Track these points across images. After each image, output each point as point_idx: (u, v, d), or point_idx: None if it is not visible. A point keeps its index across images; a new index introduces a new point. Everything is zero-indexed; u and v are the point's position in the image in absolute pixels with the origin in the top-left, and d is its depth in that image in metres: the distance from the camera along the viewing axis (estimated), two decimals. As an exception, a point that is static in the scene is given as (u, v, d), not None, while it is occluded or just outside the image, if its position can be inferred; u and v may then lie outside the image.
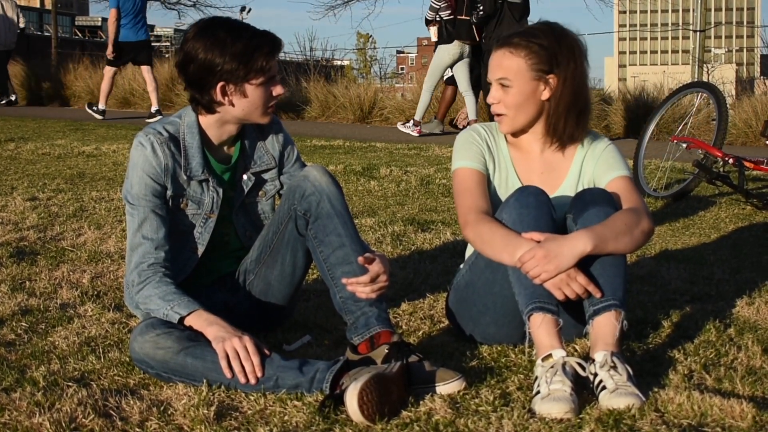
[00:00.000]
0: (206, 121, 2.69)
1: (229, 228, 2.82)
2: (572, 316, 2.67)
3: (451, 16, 9.60)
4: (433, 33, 9.97)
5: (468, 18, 9.36)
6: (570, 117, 2.66)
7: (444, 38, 9.69)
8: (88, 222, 4.65)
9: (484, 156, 2.73)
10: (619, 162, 2.73)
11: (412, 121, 10.32)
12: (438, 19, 9.73)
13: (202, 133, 2.70)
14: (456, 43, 9.60)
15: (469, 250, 2.84)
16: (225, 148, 2.76)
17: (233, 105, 2.63)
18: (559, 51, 2.62)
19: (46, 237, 4.29)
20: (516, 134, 2.75)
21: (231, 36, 2.57)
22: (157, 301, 2.51)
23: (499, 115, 2.69)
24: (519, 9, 8.89)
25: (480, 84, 9.70)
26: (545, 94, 2.65)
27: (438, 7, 9.70)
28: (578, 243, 2.42)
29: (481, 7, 8.96)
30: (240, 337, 2.36)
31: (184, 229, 2.72)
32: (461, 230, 2.65)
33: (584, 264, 2.44)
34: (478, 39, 9.34)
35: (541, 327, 2.37)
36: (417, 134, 10.15)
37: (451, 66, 9.80)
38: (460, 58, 9.71)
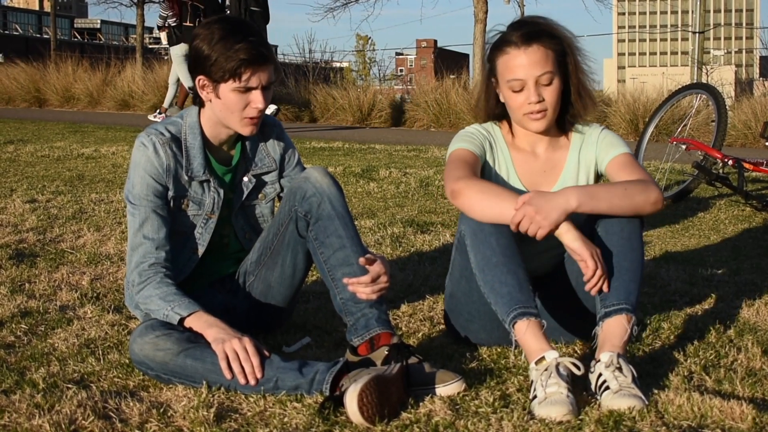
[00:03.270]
0: (204, 118, 2.70)
1: (229, 230, 2.82)
2: (558, 320, 2.69)
3: (177, 23, 11.16)
4: (163, 37, 11.57)
5: (192, 24, 10.99)
6: (582, 96, 2.66)
7: (173, 41, 11.30)
8: (87, 224, 4.65)
9: (484, 147, 2.71)
10: (618, 141, 2.72)
11: (159, 110, 12.08)
12: (167, 25, 11.25)
13: (203, 133, 2.70)
14: (182, 45, 11.09)
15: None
16: (225, 149, 2.76)
17: (211, 102, 2.63)
18: (564, 39, 2.62)
19: (46, 239, 4.28)
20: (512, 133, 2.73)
21: (221, 33, 2.55)
22: (157, 301, 2.51)
23: (540, 113, 2.60)
24: (259, 15, 10.42)
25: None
26: (561, 84, 2.63)
27: (166, 15, 11.24)
28: (566, 197, 2.40)
29: (229, 14, 10.43)
30: (240, 339, 2.36)
31: (185, 230, 2.72)
32: (451, 193, 2.53)
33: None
34: None
35: (527, 333, 2.35)
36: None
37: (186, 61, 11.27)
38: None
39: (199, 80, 2.61)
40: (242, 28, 2.60)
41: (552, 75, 2.58)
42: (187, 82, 11.34)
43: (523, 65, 2.57)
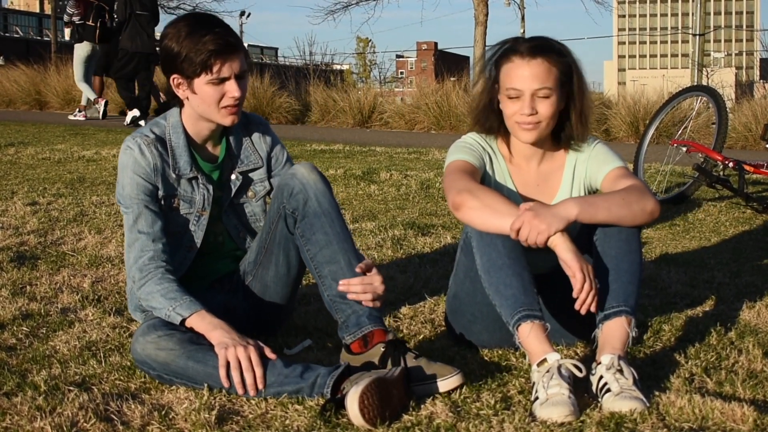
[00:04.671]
0: (185, 116, 2.71)
1: (221, 228, 2.82)
2: (559, 322, 2.70)
3: (81, 21, 12.17)
4: (67, 33, 12.75)
5: (94, 24, 12.08)
6: (584, 121, 2.68)
7: (76, 38, 12.32)
8: (88, 226, 4.65)
9: (483, 159, 2.72)
10: (610, 155, 2.72)
11: (78, 109, 13.09)
12: (72, 22, 12.25)
13: (186, 132, 2.71)
14: (85, 42, 12.26)
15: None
16: (210, 147, 2.77)
17: (188, 99, 2.64)
18: (572, 61, 2.64)
19: (47, 241, 4.29)
20: (509, 147, 2.73)
21: (188, 29, 2.57)
22: (159, 298, 2.50)
23: (531, 124, 2.62)
24: (146, 18, 11.38)
25: (105, 69, 12.51)
26: (561, 104, 2.64)
27: (72, 13, 12.23)
28: (566, 207, 2.42)
29: (116, 17, 11.46)
30: (245, 347, 2.34)
31: (179, 229, 2.73)
32: (452, 204, 2.55)
33: (601, 270, 2.45)
34: (97, 41, 12.17)
35: (530, 335, 2.36)
36: (83, 118, 12.83)
37: (88, 61, 12.48)
38: (93, 53, 12.36)
39: (174, 79, 2.62)
40: (207, 21, 2.62)
41: (550, 91, 2.59)
42: (77, 76, 12.59)
43: (524, 77, 2.59)
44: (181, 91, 2.64)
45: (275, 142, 2.87)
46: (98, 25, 11.99)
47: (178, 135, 2.70)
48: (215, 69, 2.56)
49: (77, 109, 13.04)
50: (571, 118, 2.67)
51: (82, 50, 12.26)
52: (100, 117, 12.63)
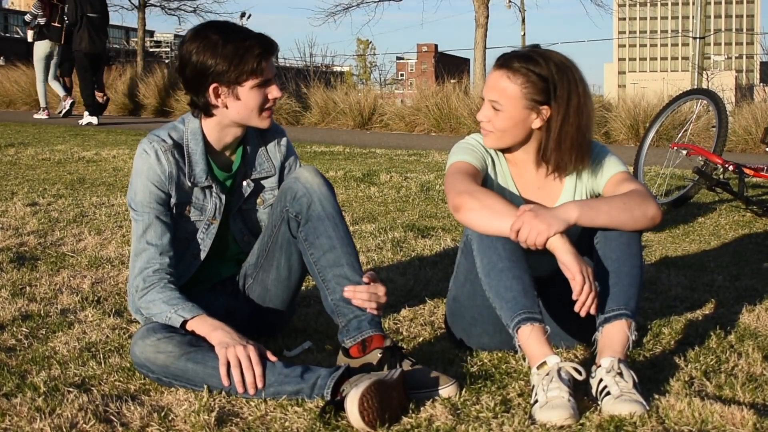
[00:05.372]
0: (207, 125, 2.69)
1: (227, 232, 2.82)
2: (558, 324, 2.70)
3: (46, 22, 12.60)
4: (30, 35, 13.12)
5: (59, 25, 12.51)
6: (562, 149, 2.61)
7: (38, 38, 12.76)
8: (88, 227, 4.65)
9: (486, 161, 2.71)
10: (614, 160, 2.71)
11: (41, 108, 13.55)
12: (36, 23, 12.68)
13: (205, 139, 2.70)
14: (47, 41, 12.68)
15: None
16: (227, 153, 2.76)
17: (227, 107, 2.63)
18: (559, 84, 2.56)
19: (47, 242, 4.29)
20: (508, 150, 2.72)
21: (222, 38, 2.56)
22: (160, 305, 2.51)
23: (484, 130, 2.65)
24: (97, 20, 12.00)
25: (71, 70, 13.12)
26: (536, 123, 2.60)
27: (36, 14, 12.64)
28: (566, 209, 2.42)
29: (67, 18, 12.03)
30: (245, 346, 2.35)
31: (187, 236, 2.72)
32: (453, 206, 2.54)
33: (602, 273, 2.45)
34: (63, 42, 12.58)
35: (530, 338, 2.35)
36: (47, 116, 13.37)
37: (47, 60, 12.86)
38: (52, 54, 12.80)
39: (214, 89, 2.59)
40: (234, 27, 2.63)
41: (501, 106, 2.58)
42: (39, 77, 13.07)
43: (487, 84, 2.64)
44: (221, 100, 2.61)
45: (290, 152, 2.86)
46: (63, 26, 12.42)
47: (197, 142, 2.69)
48: (266, 72, 2.58)
49: (41, 109, 13.49)
50: (541, 139, 2.62)
51: (41, 49, 12.72)
52: (62, 115, 13.25)
